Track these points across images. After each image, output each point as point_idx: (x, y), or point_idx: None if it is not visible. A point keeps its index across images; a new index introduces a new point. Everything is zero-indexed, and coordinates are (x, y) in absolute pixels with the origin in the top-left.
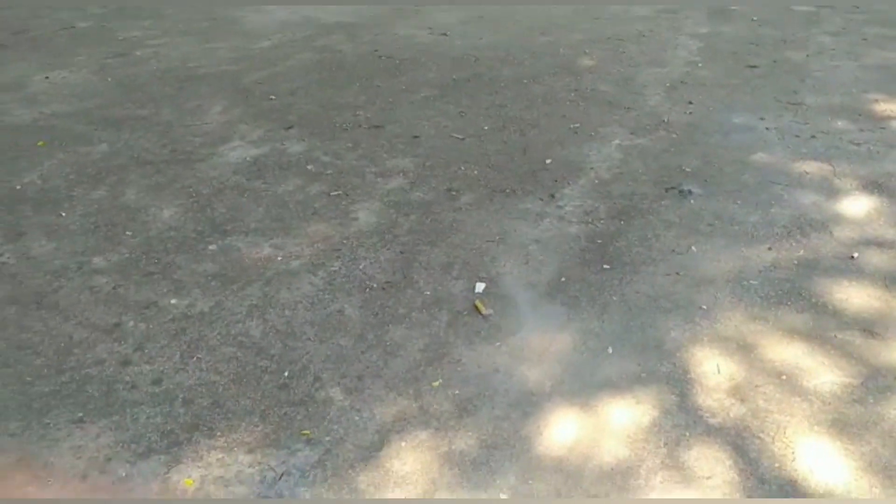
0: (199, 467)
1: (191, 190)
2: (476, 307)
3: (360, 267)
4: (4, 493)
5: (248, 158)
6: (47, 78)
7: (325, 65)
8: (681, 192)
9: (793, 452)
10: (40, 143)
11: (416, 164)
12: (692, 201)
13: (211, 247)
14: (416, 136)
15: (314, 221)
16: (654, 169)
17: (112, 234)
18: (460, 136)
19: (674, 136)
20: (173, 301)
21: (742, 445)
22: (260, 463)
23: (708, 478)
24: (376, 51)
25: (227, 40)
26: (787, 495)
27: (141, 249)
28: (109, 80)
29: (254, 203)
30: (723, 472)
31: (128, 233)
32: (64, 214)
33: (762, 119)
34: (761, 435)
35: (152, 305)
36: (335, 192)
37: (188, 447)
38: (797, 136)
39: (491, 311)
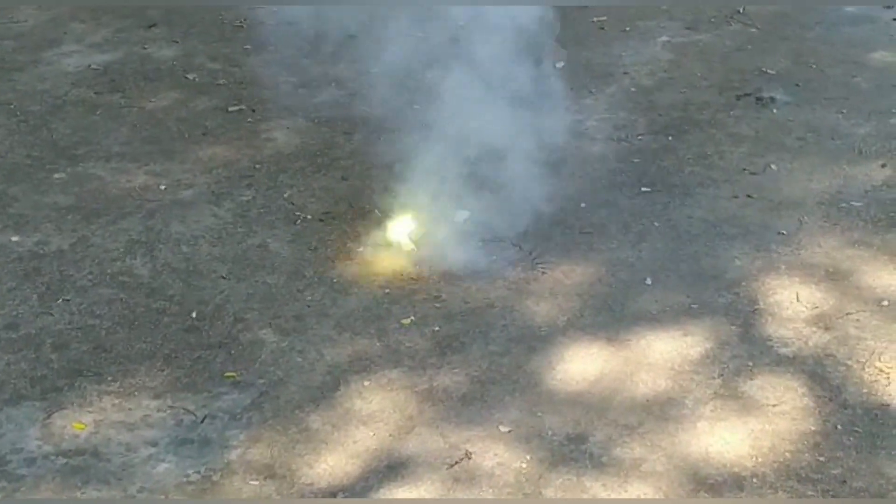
0: (89, 412)
1: (12, 107)
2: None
3: (285, 195)
4: None
5: (93, 66)
6: None
7: None
8: (759, 99)
9: (887, 377)
10: None
11: (356, 72)
12: (775, 111)
13: (57, 175)
14: (352, 36)
15: (207, 144)
16: (721, 72)
17: None
18: (422, 35)
19: (753, 30)
20: (14, 238)
21: (821, 373)
22: (172, 407)
23: (774, 405)
24: None
25: None
26: (875, 419)
27: None
28: None
29: (112, 122)
30: (793, 399)
31: None
32: None
33: (890, 7)
34: (848, 362)
35: None
36: (234, 108)
37: (70, 392)
38: None
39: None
